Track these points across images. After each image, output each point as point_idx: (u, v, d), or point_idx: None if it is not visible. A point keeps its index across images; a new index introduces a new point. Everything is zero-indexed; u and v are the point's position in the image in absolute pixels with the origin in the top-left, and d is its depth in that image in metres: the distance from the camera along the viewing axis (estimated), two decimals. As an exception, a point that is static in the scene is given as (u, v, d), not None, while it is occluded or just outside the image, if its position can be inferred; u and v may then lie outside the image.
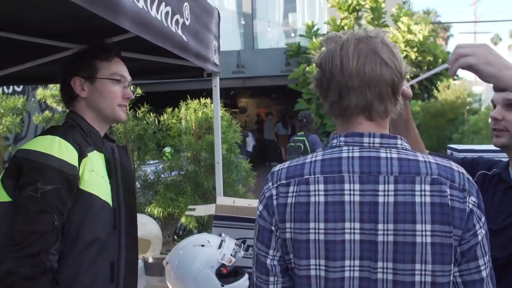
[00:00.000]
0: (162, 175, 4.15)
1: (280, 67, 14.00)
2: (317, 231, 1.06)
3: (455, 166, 1.12)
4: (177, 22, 2.18)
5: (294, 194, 1.10)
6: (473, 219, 1.06)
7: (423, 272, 1.04)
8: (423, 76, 1.56)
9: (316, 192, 1.08)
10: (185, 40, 2.32)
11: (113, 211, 1.62)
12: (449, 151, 4.53)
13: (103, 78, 1.70)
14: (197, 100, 4.19)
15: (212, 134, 3.53)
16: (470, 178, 1.12)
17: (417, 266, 1.04)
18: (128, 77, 1.78)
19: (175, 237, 3.60)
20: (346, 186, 1.07)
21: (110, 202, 1.62)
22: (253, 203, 2.72)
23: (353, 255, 1.06)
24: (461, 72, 13.40)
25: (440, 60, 11.48)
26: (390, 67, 1.11)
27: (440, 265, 1.04)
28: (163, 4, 1.96)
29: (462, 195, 1.06)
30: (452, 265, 1.05)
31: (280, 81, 13.98)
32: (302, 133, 6.40)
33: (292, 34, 15.51)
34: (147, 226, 2.94)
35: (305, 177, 1.10)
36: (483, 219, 1.09)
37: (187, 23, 2.35)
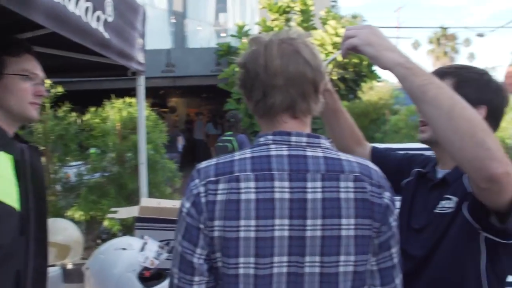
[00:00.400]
0: (85, 177, 3.99)
1: (210, 66, 13.95)
2: (248, 228, 1.07)
3: (371, 164, 1.19)
4: (98, 18, 2.11)
5: (224, 191, 1.09)
6: (389, 213, 1.15)
7: (346, 263, 1.10)
8: (327, 61, 1.61)
9: (247, 190, 1.09)
10: (107, 37, 2.25)
11: (20, 216, 1.52)
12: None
13: (10, 74, 1.60)
14: (122, 99, 4.07)
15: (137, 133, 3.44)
16: (384, 176, 1.19)
17: (342, 257, 1.09)
18: (41, 74, 1.69)
19: (98, 241, 3.48)
20: (276, 183, 1.09)
21: (17, 207, 1.51)
22: (178, 204, 2.68)
23: (282, 251, 1.08)
24: (383, 74, 14.02)
25: (364, 63, 11.95)
26: (311, 67, 1.15)
27: (361, 255, 1.11)
28: (83, -1, 1.90)
29: (379, 191, 1.14)
30: (370, 255, 1.13)
31: (210, 81, 13.93)
32: (231, 132, 6.40)
33: (223, 34, 15.52)
34: (67, 231, 2.82)
35: (235, 174, 1.10)
36: (395, 212, 1.18)
37: (110, 20, 2.29)
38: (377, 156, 1.77)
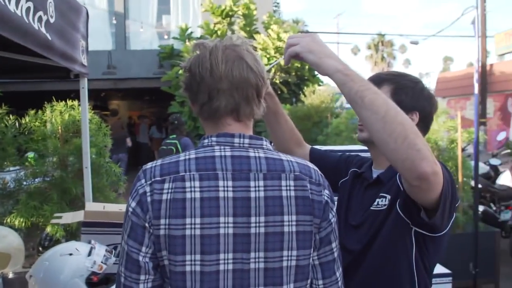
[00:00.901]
0: (25, 182, 3.82)
1: (153, 69, 13.74)
2: (193, 226, 1.10)
3: (310, 164, 1.27)
4: (40, 19, 2.06)
5: (170, 190, 1.12)
6: (328, 209, 1.22)
7: (289, 258, 1.16)
8: (268, 67, 1.67)
9: (192, 189, 1.12)
10: (50, 38, 2.20)
11: None
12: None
13: None
14: (63, 102, 3.93)
15: (80, 137, 3.36)
16: (322, 175, 1.27)
17: (285, 252, 1.15)
18: None
19: (40, 248, 3.34)
20: (220, 183, 1.14)
21: None
22: (124, 207, 2.64)
23: (227, 248, 1.12)
24: (325, 78, 14.36)
25: (306, 67, 12.21)
26: (254, 72, 1.21)
27: (302, 250, 1.17)
28: (23, -2, 1.85)
29: (319, 189, 1.21)
30: (312, 249, 1.19)
31: (153, 84, 13.72)
32: (174, 136, 6.35)
33: (166, 36, 15.32)
34: (7, 239, 2.71)
35: (180, 174, 1.13)
36: (334, 209, 1.26)
37: (52, 20, 2.24)
38: (315, 157, 1.86)
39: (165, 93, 12.68)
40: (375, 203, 1.54)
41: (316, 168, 1.27)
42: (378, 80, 1.59)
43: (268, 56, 11.73)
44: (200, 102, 1.22)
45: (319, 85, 12.92)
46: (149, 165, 1.20)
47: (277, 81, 11.87)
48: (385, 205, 1.50)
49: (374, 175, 1.63)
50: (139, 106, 20.11)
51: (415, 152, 1.16)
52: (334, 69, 1.30)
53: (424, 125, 1.61)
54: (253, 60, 1.22)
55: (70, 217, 2.80)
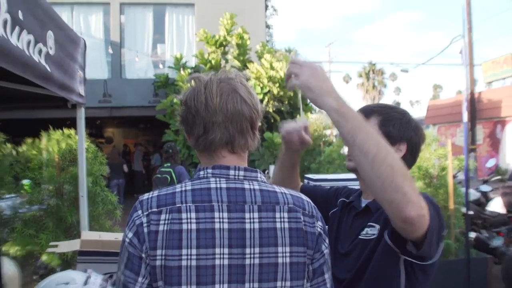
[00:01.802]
0: (20, 210, 3.82)
1: (148, 97, 13.84)
2: (189, 257, 1.12)
3: (303, 196, 1.30)
4: (40, 51, 2.12)
5: (166, 221, 1.14)
6: (321, 241, 1.25)
7: None
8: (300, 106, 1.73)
9: (188, 220, 1.14)
10: (49, 70, 2.26)
11: None
12: (306, 181, 4.92)
13: None
14: (60, 130, 3.96)
15: (77, 166, 3.38)
16: (315, 207, 1.30)
17: (279, 283, 1.17)
18: None
19: (35, 277, 3.31)
20: (216, 214, 1.16)
21: None
22: (120, 236, 2.65)
23: (223, 279, 1.13)
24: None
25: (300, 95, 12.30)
26: (248, 105, 1.26)
27: (296, 281, 1.19)
28: (25, 32, 1.91)
29: (312, 221, 1.24)
30: (305, 280, 1.21)
31: (148, 112, 13.80)
32: (169, 164, 6.36)
33: (161, 66, 15.47)
34: (2, 268, 2.70)
35: (177, 205, 1.16)
36: (327, 240, 1.28)
37: (51, 52, 2.30)
38: (305, 192, 1.89)
39: (159, 121, 12.74)
40: (364, 232, 1.57)
41: (309, 200, 1.30)
42: (367, 111, 1.65)
43: (261, 85, 11.86)
44: (196, 135, 1.26)
45: (312, 113, 13.02)
46: (145, 196, 1.22)
47: (270, 110, 11.97)
48: (374, 234, 1.53)
49: (363, 204, 1.67)
50: (134, 134, 20.13)
51: (401, 196, 1.18)
52: (329, 108, 1.31)
53: (412, 156, 1.66)
54: (247, 93, 1.26)
55: (66, 246, 2.80)
